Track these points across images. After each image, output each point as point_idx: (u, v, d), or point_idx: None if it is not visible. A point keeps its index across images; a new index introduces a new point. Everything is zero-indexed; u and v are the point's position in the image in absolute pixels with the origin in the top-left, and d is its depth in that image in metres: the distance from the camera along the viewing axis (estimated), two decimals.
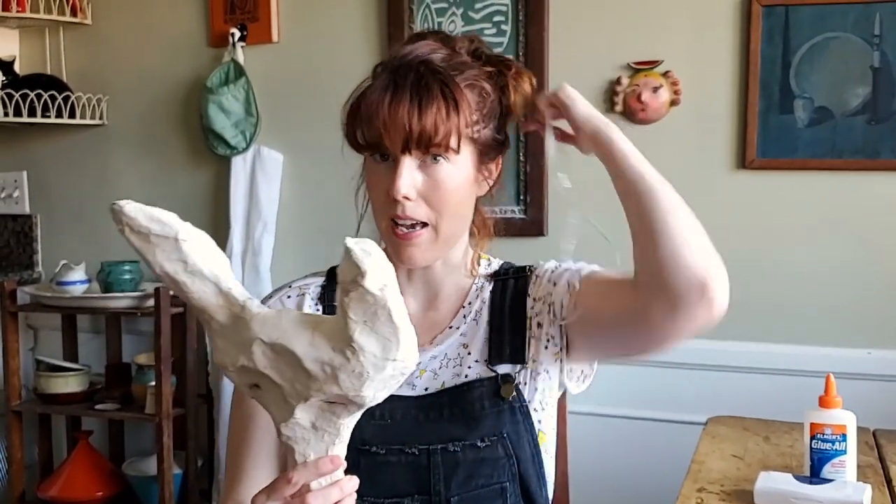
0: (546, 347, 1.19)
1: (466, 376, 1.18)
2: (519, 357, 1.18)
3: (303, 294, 1.22)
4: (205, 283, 0.89)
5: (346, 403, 0.88)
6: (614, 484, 2.26)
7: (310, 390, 0.86)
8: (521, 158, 2.34)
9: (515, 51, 2.34)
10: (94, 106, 2.73)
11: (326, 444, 0.90)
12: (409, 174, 1.09)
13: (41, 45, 2.81)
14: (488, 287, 1.23)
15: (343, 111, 1.14)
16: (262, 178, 2.57)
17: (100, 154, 2.80)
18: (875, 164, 2.10)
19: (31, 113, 2.61)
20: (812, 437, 1.44)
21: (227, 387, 2.45)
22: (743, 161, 2.19)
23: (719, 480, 1.50)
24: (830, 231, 2.16)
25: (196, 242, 0.88)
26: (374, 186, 1.12)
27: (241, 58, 2.56)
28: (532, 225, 2.34)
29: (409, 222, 1.11)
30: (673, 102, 2.23)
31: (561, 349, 1.19)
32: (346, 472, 0.93)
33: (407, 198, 1.09)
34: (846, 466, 1.42)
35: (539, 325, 1.19)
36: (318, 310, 1.21)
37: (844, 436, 1.42)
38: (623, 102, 2.24)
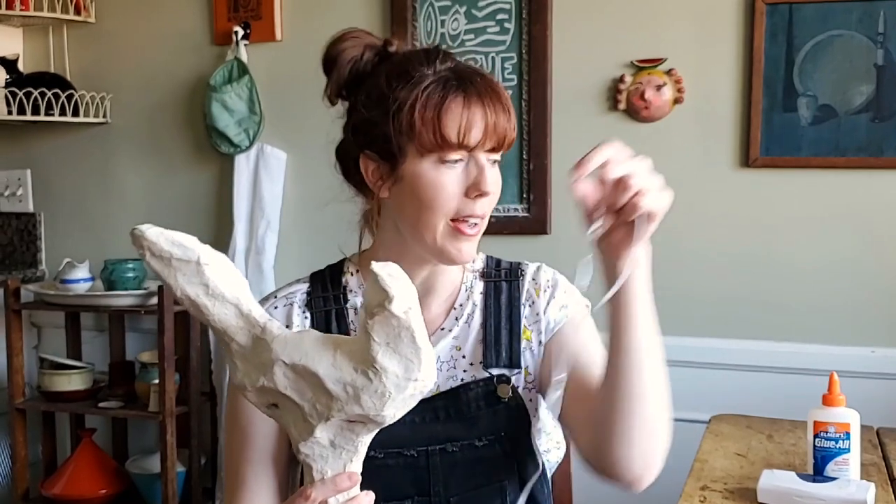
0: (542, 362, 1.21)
1: (462, 379, 1.18)
2: (515, 362, 1.19)
3: (290, 304, 1.22)
4: (225, 306, 0.89)
5: (366, 422, 0.89)
6: None
7: (331, 410, 0.88)
8: (525, 157, 2.34)
9: (519, 49, 2.34)
10: (97, 104, 2.74)
11: (344, 461, 0.92)
12: (494, 171, 1.13)
13: (45, 43, 2.81)
14: (478, 286, 1.23)
15: (404, 115, 1.09)
16: (265, 176, 2.57)
17: (103, 152, 2.80)
18: (879, 161, 2.10)
19: (35, 111, 2.62)
20: (815, 436, 1.44)
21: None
22: (746, 159, 2.19)
23: (722, 479, 1.50)
24: (834, 229, 2.16)
25: (217, 265, 0.89)
26: (442, 188, 1.10)
27: (244, 56, 2.56)
28: (535, 223, 2.34)
29: (477, 219, 1.13)
30: (676, 100, 2.23)
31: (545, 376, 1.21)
32: None
33: (491, 193, 1.12)
34: (850, 465, 1.42)
35: (540, 342, 1.21)
36: (306, 317, 1.21)
37: (848, 434, 1.42)
38: (626, 100, 2.24)
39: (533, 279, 1.24)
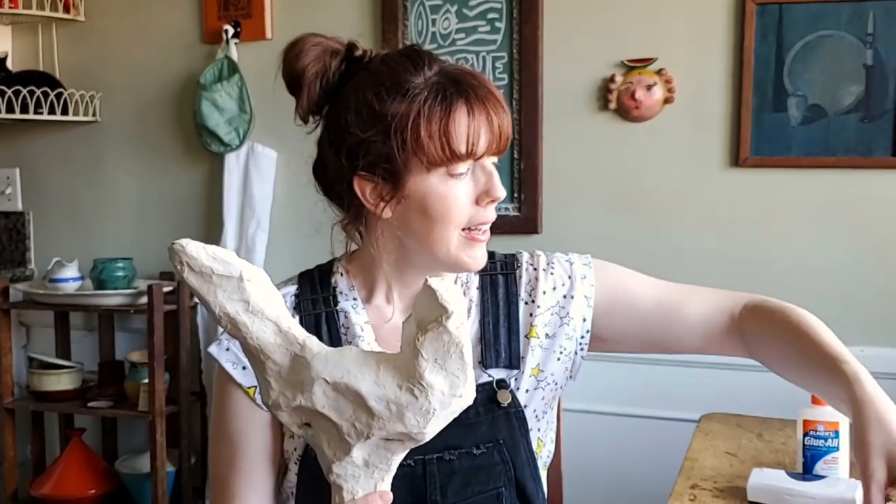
0: (559, 359, 1.19)
1: None
2: (515, 363, 1.17)
3: None
4: (265, 323, 0.87)
5: (404, 440, 0.88)
6: (607, 481, 2.27)
7: (371, 428, 0.86)
8: (515, 156, 2.34)
9: (510, 48, 2.34)
10: (87, 103, 2.72)
11: (375, 480, 0.90)
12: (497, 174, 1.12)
13: (34, 41, 2.80)
14: (474, 281, 1.21)
15: (408, 132, 1.06)
16: (255, 175, 2.56)
17: (93, 151, 2.79)
18: (868, 161, 2.11)
19: (24, 109, 2.60)
20: (805, 434, 1.44)
21: None
22: (736, 159, 2.19)
23: (712, 477, 1.50)
24: (824, 229, 2.17)
25: (257, 281, 0.87)
26: (454, 201, 1.08)
27: (234, 54, 2.56)
28: (526, 223, 2.34)
29: (489, 224, 1.12)
30: (667, 100, 2.23)
31: (575, 362, 1.21)
32: None
33: (502, 197, 1.11)
34: (839, 463, 1.42)
35: (548, 335, 1.19)
36: (295, 319, 1.19)
37: (837, 433, 1.42)
38: (617, 100, 2.24)
39: (532, 267, 1.22)
